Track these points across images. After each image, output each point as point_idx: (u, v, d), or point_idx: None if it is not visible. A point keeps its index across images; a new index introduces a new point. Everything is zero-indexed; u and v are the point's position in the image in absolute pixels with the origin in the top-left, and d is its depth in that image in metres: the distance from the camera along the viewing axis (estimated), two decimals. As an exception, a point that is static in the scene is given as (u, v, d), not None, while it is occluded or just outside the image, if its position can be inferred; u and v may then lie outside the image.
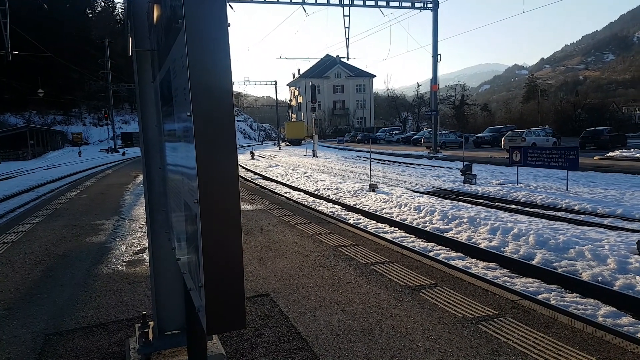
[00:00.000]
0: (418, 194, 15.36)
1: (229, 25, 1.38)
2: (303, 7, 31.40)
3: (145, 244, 7.46)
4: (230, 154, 1.45)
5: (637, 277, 6.56)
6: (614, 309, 5.77)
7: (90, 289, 5.50)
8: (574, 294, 6.34)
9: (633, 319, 5.48)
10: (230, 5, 29.67)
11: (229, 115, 1.42)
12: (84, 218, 10.65)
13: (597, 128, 36.98)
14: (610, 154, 26.54)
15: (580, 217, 11.05)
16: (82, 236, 8.61)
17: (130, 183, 18.64)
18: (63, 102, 70.27)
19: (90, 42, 68.11)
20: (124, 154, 55.65)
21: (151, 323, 3.46)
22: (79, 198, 14.56)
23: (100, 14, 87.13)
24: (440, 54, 34.59)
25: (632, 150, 27.15)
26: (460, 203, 13.28)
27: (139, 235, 8.52)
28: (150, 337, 3.39)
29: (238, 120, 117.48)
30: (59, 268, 6.49)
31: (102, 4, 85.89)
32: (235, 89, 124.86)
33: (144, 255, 6.91)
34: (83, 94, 73.97)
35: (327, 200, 15.30)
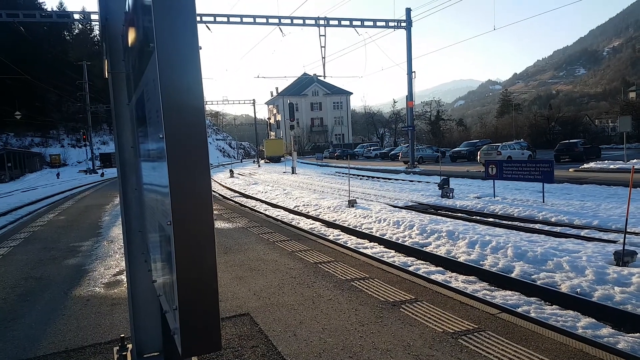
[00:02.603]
0: (397, 208, 15.46)
1: (200, 49, 1.40)
2: (279, 28, 31.67)
3: (124, 265, 7.36)
4: (203, 175, 1.45)
5: (616, 288, 6.65)
6: (594, 320, 5.82)
7: (68, 312, 5.40)
8: (554, 305, 6.41)
9: (613, 330, 5.54)
10: (207, 26, 29.79)
11: (201, 136, 1.43)
12: (62, 240, 10.48)
13: (571, 140, 37.75)
14: (585, 165, 27.03)
15: (558, 229, 11.20)
16: (60, 259, 8.46)
17: (108, 204, 18.40)
18: (41, 123, 69.30)
19: (68, 64, 67.52)
20: (102, 174, 54.94)
21: (130, 346, 3.42)
22: (57, 220, 14.32)
23: (78, 36, 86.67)
24: (414, 71, 35.13)
25: (606, 161, 27.70)
26: (439, 217, 13.39)
27: (117, 256, 8.40)
28: (129, 359, 3.35)
29: (217, 139, 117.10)
30: (36, 292, 6.36)
31: (80, 26, 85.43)
32: (214, 108, 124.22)
33: (123, 277, 6.81)
34: (61, 115, 73.22)
35: (307, 216, 15.29)
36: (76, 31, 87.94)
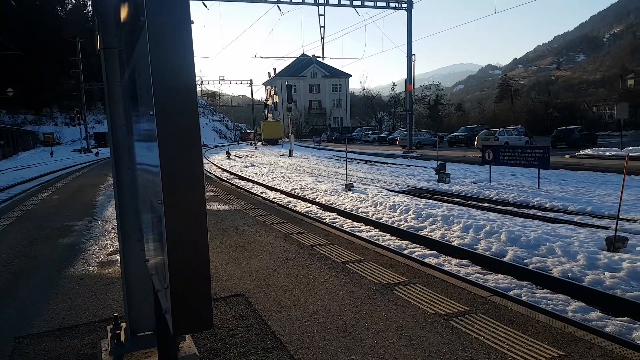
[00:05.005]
0: (393, 193, 15.48)
1: (192, 23, 1.37)
2: (278, 6, 31.31)
3: (118, 244, 7.37)
4: (195, 153, 1.44)
5: (606, 273, 6.71)
6: (583, 304, 5.89)
7: (62, 291, 5.41)
8: (545, 289, 6.46)
9: (601, 314, 5.60)
10: (204, 3, 29.38)
11: (193, 113, 1.41)
12: (56, 219, 10.45)
13: (568, 127, 37.75)
14: (581, 152, 27.09)
15: (551, 215, 11.26)
16: (53, 237, 8.45)
17: (102, 183, 18.35)
18: (34, 101, 68.67)
19: (61, 40, 66.50)
20: (97, 154, 54.72)
21: (123, 324, 3.43)
22: (51, 199, 14.28)
23: (71, 11, 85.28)
24: (415, 54, 34.83)
25: (602, 148, 27.77)
26: (435, 202, 13.42)
27: (111, 236, 8.40)
28: (122, 338, 3.36)
29: (213, 120, 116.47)
30: (29, 270, 6.36)
31: (73, 1, 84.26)
32: (211, 88, 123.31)
33: (117, 256, 6.81)
34: (55, 93, 72.39)
35: (304, 199, 15.30)
36: (69, 6, 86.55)
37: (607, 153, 25.17)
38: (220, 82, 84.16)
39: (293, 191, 17.27)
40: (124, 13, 2.28)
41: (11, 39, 41.96)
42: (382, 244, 8.88)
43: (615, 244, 7.64)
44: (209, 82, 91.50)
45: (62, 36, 66.26)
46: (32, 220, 10.42)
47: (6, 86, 52.60)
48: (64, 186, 18.31)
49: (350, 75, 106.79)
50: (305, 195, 15.94)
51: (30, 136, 65.97)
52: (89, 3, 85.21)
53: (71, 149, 65.22)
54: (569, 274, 6.84)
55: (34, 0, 63.29)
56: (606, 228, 9.38)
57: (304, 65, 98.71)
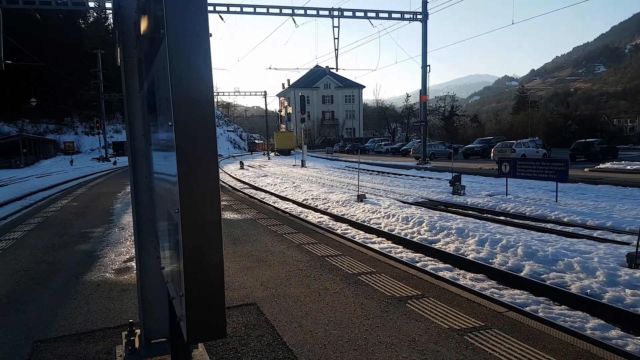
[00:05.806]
0: (406, 204, 15.40)
1: (211, 36, 1.40)
2: (293, 18, 31.58)
3: (134, 252, 7.43)
4: (212, 164, 1.46)
5: (627, 290, 6.58)
6: (603, 321, 5.77)
7: (78, 297, 5.48)
8: (562, 306, 6.36)
9: (622, 332, 5.49)
10: (220, 16, 29.74)
11: (210, 125, 1.44)
12: (74, 226, 10.60)
13: (587, 140, 37.22)
14: (601, 165, 26.66)
15: (570, 229, 11.10)
16: (72, 244, 8.56)
17: (120, 192, 18.56)
18: (55, 111, 69.92)
19: (82, 52, 67.67)
20: (115, 162, 55.35)
21: (138, 331, 3.46)
22: (70, 206, 14.48)
23: (93, 24, 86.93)
24: (429, 65, 34.67)
25: (623, 162, 27.29)
26: (449, 214, 13.32)
27: (128, 243, 8.48)
28: (137, 345, 3.39)
29: (228, 130, 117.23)
30: (48, 275, 6.46)
31: (95, 14, 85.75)
32: (226, 99, 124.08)
33: (133, 264, 6.87)
34: (75, 103, 73.76)
35: (315, 210, 15.30)
36: (91, 19, 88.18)
37: (629, 167, 24.71)
38: (235, 94, 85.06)
39: (305, 201, 17.28)
40: (144, 26, 2.33)
41: (35, 51, 42.82)
42: (394, 256, 8.83)
43: (636, 260, 7.49)
44: (225, 94, 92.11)
45: (84, 48, 67.52)
46: (52, 227, 10.58)
47: (29, 96, 53.68)
48: (83, 194, 18.56)
49: (364, 87, 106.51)
50: (317, 206, 15.94)
51: (52, 145, 67.10)
52: (110, 16, 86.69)
53: (90, 157, 66.17)
54: (588, 291, 6.72)
55: (58, 13, 64.49)
56: (627, 244, 9.19)
57: (317, 76, 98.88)
